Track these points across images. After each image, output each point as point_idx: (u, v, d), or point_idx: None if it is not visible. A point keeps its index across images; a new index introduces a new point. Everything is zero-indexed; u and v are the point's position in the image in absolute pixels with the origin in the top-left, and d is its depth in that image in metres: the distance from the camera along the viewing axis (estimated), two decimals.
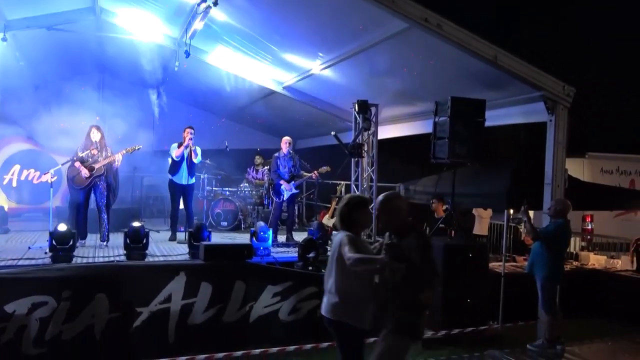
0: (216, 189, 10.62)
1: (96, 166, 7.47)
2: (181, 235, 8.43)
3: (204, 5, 6.88)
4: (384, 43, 7.12)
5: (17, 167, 10.46)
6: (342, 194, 9.78)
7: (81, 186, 7.53)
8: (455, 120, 6.68)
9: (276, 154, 8.84)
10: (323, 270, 6.94)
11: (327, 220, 9.37)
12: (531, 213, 6.34)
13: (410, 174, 10.78)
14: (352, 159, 8.23)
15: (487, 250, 6.97)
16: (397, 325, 3.73)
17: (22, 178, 10.49)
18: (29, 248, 7.31)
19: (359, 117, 8.06)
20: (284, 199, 8.57)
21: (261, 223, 7.57)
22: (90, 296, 5.56)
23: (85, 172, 7.41)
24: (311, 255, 6.86)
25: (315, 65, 8.92)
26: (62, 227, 6.42)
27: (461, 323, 6.49)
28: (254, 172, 11.22)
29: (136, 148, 7.75)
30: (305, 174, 8.76)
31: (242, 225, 10.14)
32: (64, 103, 11.35)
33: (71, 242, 6.47)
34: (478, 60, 6.02)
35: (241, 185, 10.82)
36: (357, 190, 8.27)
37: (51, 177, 10.57)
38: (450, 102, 6.67)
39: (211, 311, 6.05)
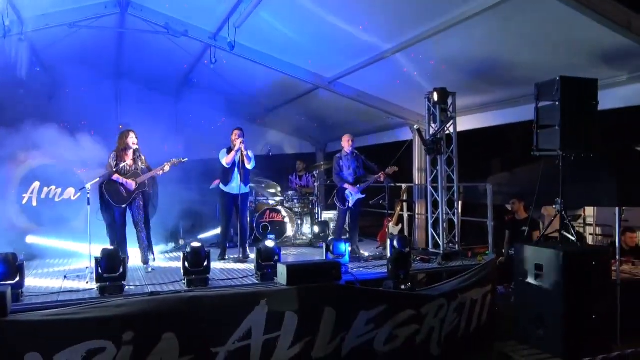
0: (260, 198, 9.56)
1: (139, 180, 6.45)
2: (229, 253, 7.53)
3: None
4: (469, 21, 6.13)
5: (36, 184, 9.35)
6: (406, 198, 8.74)
7: (123, 204, 6.49)
8: (567, 105, 5.66)
9: (337, 155, 7.81)
10: (418, 289, 5.95)
11: (393, 229, 8.31)
12: None
13: (473, 172, 9.74)
14: (428, 157, 7.18)
15: (609, 256, 5.92)
16: None
17: (43, 196, 9.38)
18: (65, 277, 6.26)
19: (436, 108, 7.02)
20: (350, 205, 7.52)
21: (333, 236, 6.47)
22: (157, 337, 4.50)
23: (131, 184, 6.38)
24: (402, 271, 5.80)
25: (369, 55, 7.93)
26: (111, 251, 5.38)
27: (592, 346, 5.43)
28: (297, 178, 10.17)
29: (182, 160, 6.76)
30: (370, 175, 7.70)
31: (293, 238, 9.08)
32: (82, 113, 10.39)
33: (121, 270, 5.41)
34: (608, 29, 4.99)
35: (288, 193, 9.74)
36: (437, 193, 7.21)
37: (74, 194, 9.63)
38: (559, 83, 5.64)
39: (298, 346, 4.98)
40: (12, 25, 7.12)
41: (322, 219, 9.39)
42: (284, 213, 9.07)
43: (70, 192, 9.56)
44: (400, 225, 8.56)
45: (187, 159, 6.84)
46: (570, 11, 5.09)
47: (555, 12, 5.29)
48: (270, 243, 5.81)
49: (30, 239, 7.90)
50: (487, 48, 6.70)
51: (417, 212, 9.43)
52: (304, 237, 9.30)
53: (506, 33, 6.31)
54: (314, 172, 9.52)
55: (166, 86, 11.95)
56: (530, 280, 5.88)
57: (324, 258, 6.26)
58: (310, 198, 9.57)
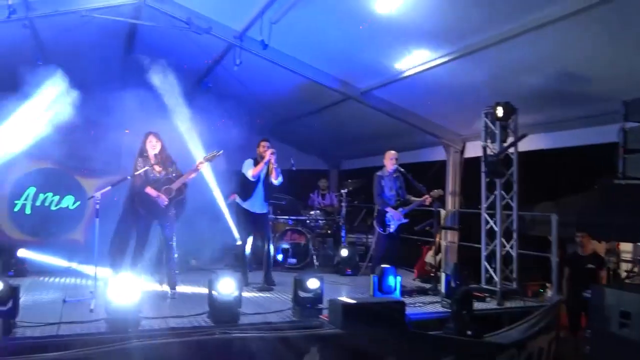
0: (280, 217, 8.64)
1: (174, 187, 5.56)
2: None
3: None
4: (541, 29, 5.37)
5: (31, 191, 8.39)
6: (444, 224, 7.87)
7: (157, 217, 5.66)
8: None
9: (379, 173, 6.95)
10: (486, 336, 5.05)
11: (431, 258, 7.42)
12: None
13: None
14: (483, 181, 6.33)
15: None
16: None
17: (38, 204, 8.41)
18: (64, 302, 5.28)
19: (495, 125, 6.20)
20: (391, 230, 6.65)
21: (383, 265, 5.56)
22: None
23: (163, 200, 5.50)
24: (467, 313, 4.91)
25: (414, 64, 7.16)
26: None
27: None
28: (320, 197, 9.29)
29: (217, 154, 5.90)
30: (414, 198, 6.85)
31: (315, 263, 8.16)
32: (87, 113, 9.47)
33: (135, 297, 4.45)
34: None
35: (311, 212, 8.83)
36: (492, 221, 6.34)
37: (73, 203, 8.67)
38: None
39: None
40: (18, 7, 6.24)
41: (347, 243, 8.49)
42: (307, 235, 8.15)
43: (69, 200, 8.65)
44: (440, 255, 7.68)
45: (222, 152, 5.96)
46: None
47: None
48: (315, 282, 4.90)
49: (21, 253, 6.90)
50: (558, 59, 5.92)
51: (449, 240, 8.56)
52: (329, 262, 8.36)
53: (585, 43, 5.54)
54: (342, 191, 8.63)
55: (177, 89, 11.07)
56: (614, 329, 5.02)
57: (372, 293, 5.35)
58: (337, 219, 8.67)
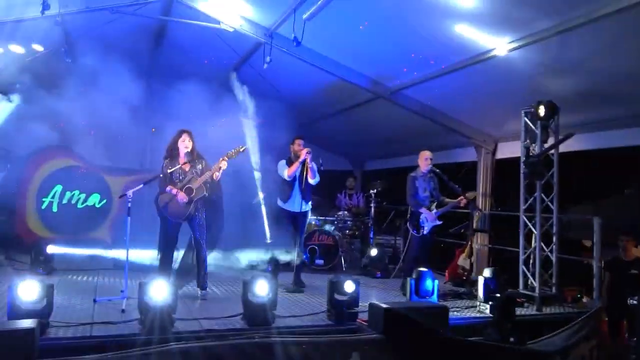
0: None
1: (194, 186, 5.42)
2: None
3: None
4: (590, 24, 5.15)
5: (58, 188, 8.38)
6: (477, 226, 7.66)
7: (180, 217, 5.47)
8: None
9: (412, 174, 6.77)
10: (529, 343, 4.86)
11: (464, 261, 7.22)
12: None
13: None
14: (522, 182, 6.13)
15: None
16: None
17: (65, 202, 8.40)
18: (95, 301, 5.20)
19: (536, 125, 6.00)
20: (424, 232, 6.48)
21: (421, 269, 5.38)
22: None
23: (182, 197, 5.36)
24: (509, 319, 4.72)
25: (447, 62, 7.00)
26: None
27: None
28: (346, 197, 9.14)
29: (241, 150, 5.75)
30: (448, 200, 6.67)
31: (344, 264, 8.01)
32: (113, 111, 9.43)
33: (172, 297, 4.34)
34: None
35: (339, 213, 8.68)
36: (531, 224, 6.14)
37: (99, 201, 8.64)
38: None
39: None
40: (51, 3, 6.19)
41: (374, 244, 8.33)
42: (335, 236, 8.01)
43: (95, 198, 8.61)
44: (472, 258, 7.47)
45: (245, 147, 5.84)
46: None
47: None
48: (351, 285, 4.76)
49: (51, 249, 6.85)
50: (603, 57, 5.69)
51: (479, 242, 8.35)
52: (357, 264, 8.21)
53: (633, 41, 5.31)
54: (371, 192, 8.48)
55: (203, 87, 11.03)
56: None
57: (408, 297, 5.19)
58: (365, 220, 8.51)
